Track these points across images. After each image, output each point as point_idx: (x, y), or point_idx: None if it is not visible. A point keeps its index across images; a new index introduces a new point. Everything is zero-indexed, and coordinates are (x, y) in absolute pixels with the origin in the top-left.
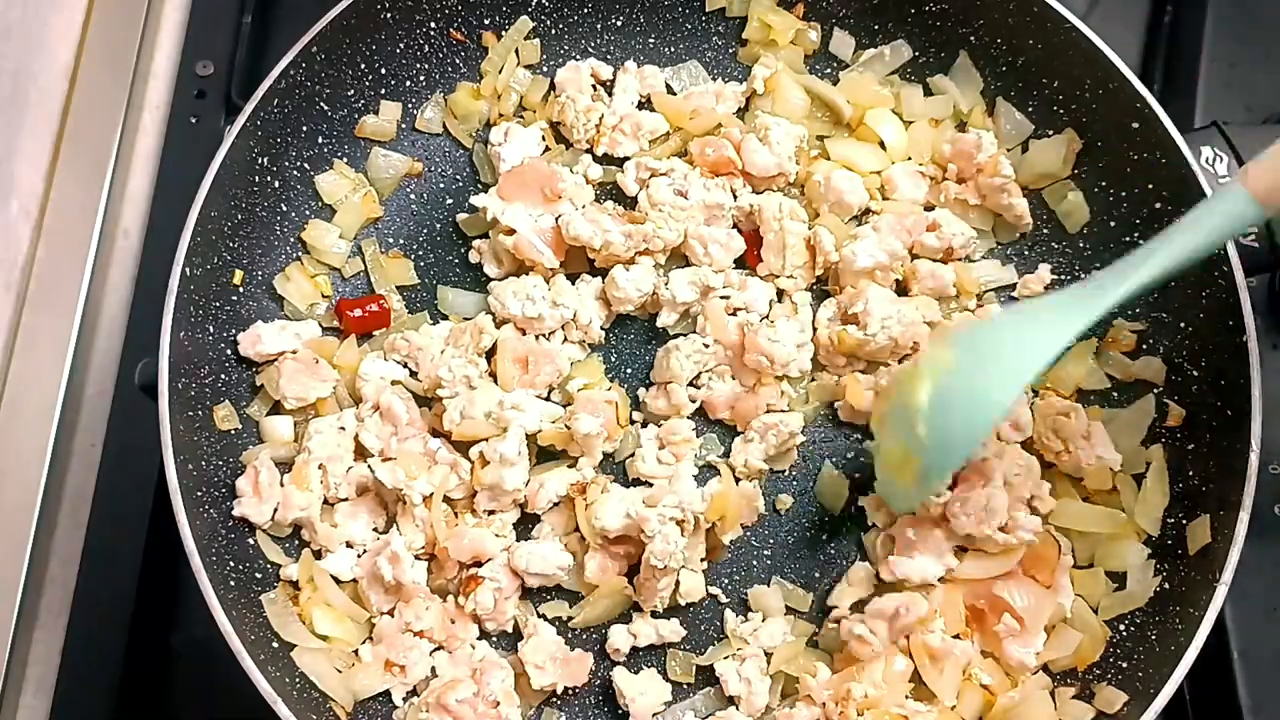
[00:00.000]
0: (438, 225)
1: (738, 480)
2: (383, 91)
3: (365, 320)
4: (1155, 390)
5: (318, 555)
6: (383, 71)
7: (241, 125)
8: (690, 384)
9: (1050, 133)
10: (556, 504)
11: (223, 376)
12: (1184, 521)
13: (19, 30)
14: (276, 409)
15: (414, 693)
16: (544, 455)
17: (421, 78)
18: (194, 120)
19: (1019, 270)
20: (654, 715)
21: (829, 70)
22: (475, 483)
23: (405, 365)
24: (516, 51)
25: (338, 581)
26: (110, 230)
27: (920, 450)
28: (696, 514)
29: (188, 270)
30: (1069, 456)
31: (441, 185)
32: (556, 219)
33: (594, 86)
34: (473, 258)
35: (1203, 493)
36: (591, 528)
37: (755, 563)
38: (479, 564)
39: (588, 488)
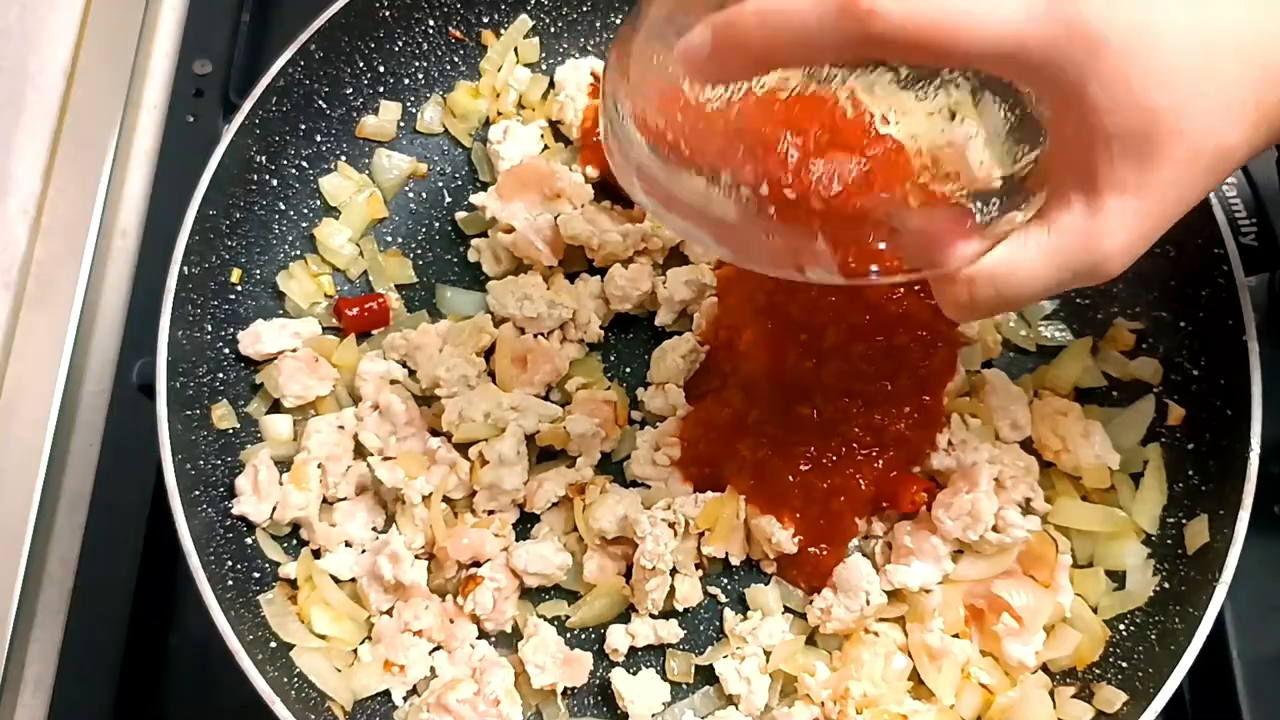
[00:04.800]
0: (436, 224)
1: None
2: (381, 90)
3: (364, 319)
4: (1155, 390)
5: (316, 554)
6: (381, 70)
7: (239, 124)
8: None
9: None
10: (555, 504)
11: (221, 375)
12: (1183, 521)
13: (17, 29)
14: (275, 408)
15: (414, 692)
16: (543, 455)
17: (420, 76)
18: (192, 119)
19: None
20: (653, 715)
21: None
22: (474, 482)
23: (404, 364)
24: (515, 50)
25: (336, 581)
26: (108, 229)
27: None
28: (688, 517)
29: (185, 269)
30: (1067, 455)
31: (440, 184)
32: (555, 218)
33: (593, 84)
34: (471, 256)
35: (1202, 492)
36: (589, 528)
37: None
38: (478, 564)
39: (586, 488)
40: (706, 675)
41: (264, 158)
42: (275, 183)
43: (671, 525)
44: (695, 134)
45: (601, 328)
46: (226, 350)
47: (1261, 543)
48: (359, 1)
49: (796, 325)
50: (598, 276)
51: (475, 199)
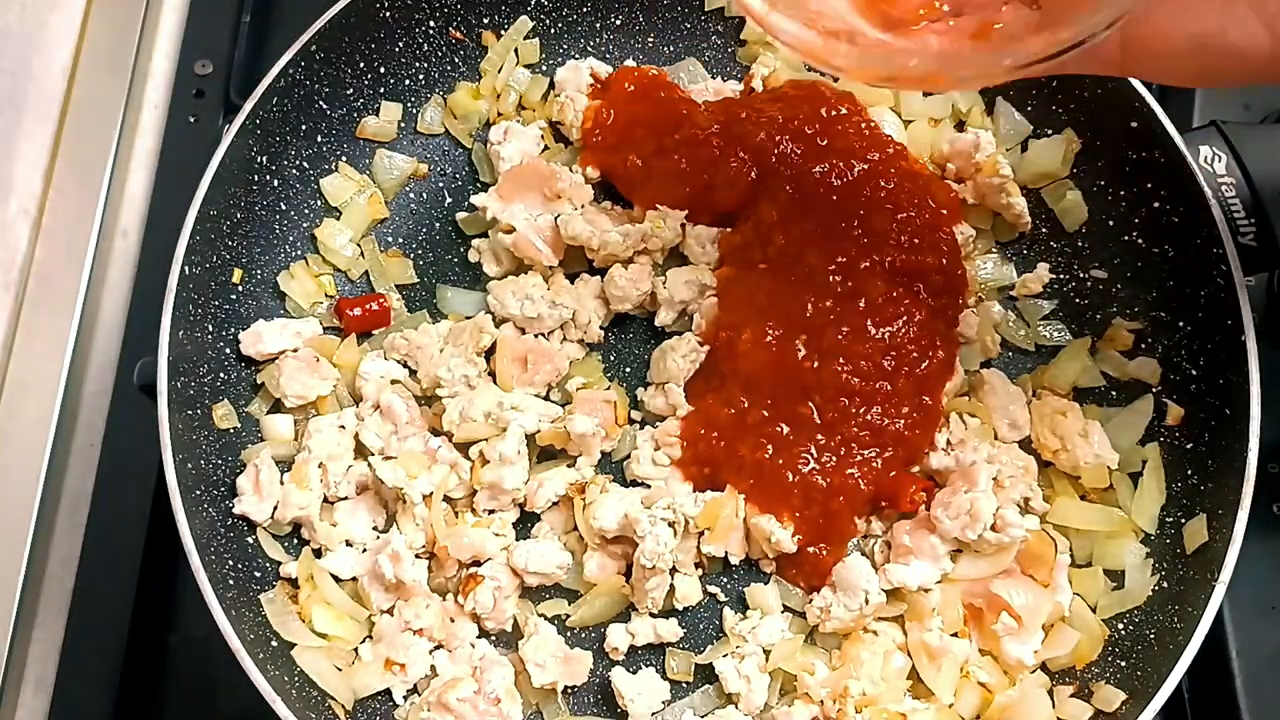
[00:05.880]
0: (437, 224)
1: None
2: (382, 90)
3: (365, 319)
4: (1153, 390)
5: (317, 554)
6: (382, 70)
7: (240, 124)
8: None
9: (1049, 132)
10: (556, 503)
11: (222, 375)
12: (1182, 520)
13: (18, 30)
14: (277, 407)
15: (415, 691)
16: (544, 455)
17: (421, 77)
18: (193, 119)
19: (1018, 269)
20: (653, 714)
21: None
22: (475, 482)
23: (405, 364)
24: (516, 51)
25: (337, 580)
26: (109, 229)
27: None
28: (688, 516)
29: (186, 269)
30: (1066, 455)
31: (441, 184)
32: (555, 218)
33: (593, 85)
34: (472, 257)
35: (1201, 492)
36: (589, 527)
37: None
38: (478, 563)
39: (586, 487)
40: (706, 674)
41: (265, 158)
42: (276, 183)
43: (671, 524)
44: None
45: (601, 328)
46: (228, 350)
47: (1260, 542)
48: (360, 2)
49: (796, 325)
50: (598, 276)
51: (476, 199)
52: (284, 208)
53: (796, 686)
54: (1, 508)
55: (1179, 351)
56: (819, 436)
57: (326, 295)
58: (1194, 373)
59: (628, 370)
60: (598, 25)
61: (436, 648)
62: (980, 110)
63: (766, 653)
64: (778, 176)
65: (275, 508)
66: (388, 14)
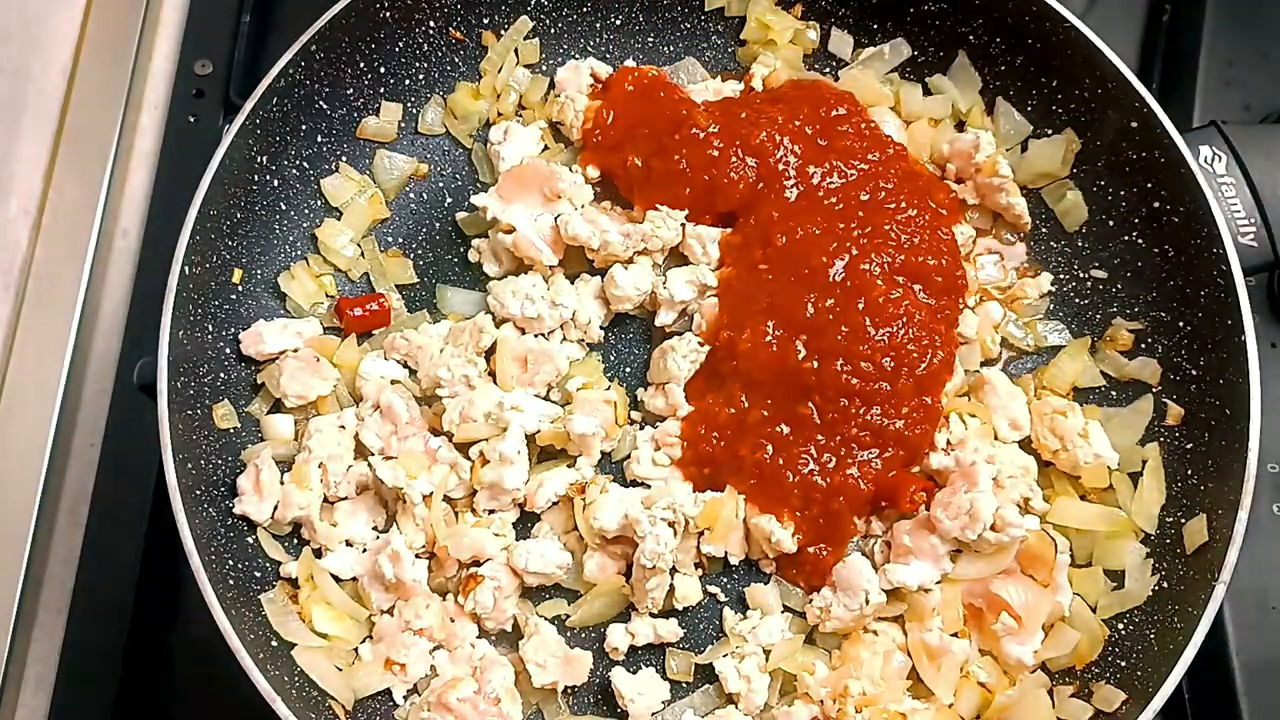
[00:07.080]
0: (437, 224)
1: None
2: (382, 90)
3: (365, 319)
4: (1153, 389)
5: (318, 554)
6: (382, 70)
7: (240, 124)
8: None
9: (1049, 132)
10: (556, 503)
11: (222, 375)
12: (1182, 520)
13: (18, 30)
14: (277, 407)
15: (415, 691)
16: (544, 455)
17: (421, 77)
18: (193, 119)
19: (1018, 270)
20: (653, 714)
21: (828, 69)
22: (475, 482)
23: (405, 364)
24: (516, 51)
25: (337, 580)
26: (109, 229)
27: None
28: (688, 516)
29: (187, 269)
30: (1066, 455)
31: (441, 184)
32: (556, 218)
33: (593, 85)
34: (472, 257)
35: (1201, 492)
36: (590, 527)
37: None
38: (478, 563)
39: (587, 487)
40: (706, 674)
41: (265, 158)
42: (276, 183)
43: (671, 524)
44: None
45: (601, 328)
46: (228, 350)
47: (1260, 542)
48: (360, 2)
49: (796, 325)
50: (598, 276)
51: (476, 199)
52: (284, 208)
53: (796, 686)
54: (1, 508)
55: (1179, 351)
56: (819, 437)
57: (327, 295)
58: (1194, 373)
59: (628, 370)
60: (598, 25)
61: (436, 648)
62: (980, 110)
63: (766, 653)
64: (778, 176)
65: (275, 508)
66: (388, 14)
